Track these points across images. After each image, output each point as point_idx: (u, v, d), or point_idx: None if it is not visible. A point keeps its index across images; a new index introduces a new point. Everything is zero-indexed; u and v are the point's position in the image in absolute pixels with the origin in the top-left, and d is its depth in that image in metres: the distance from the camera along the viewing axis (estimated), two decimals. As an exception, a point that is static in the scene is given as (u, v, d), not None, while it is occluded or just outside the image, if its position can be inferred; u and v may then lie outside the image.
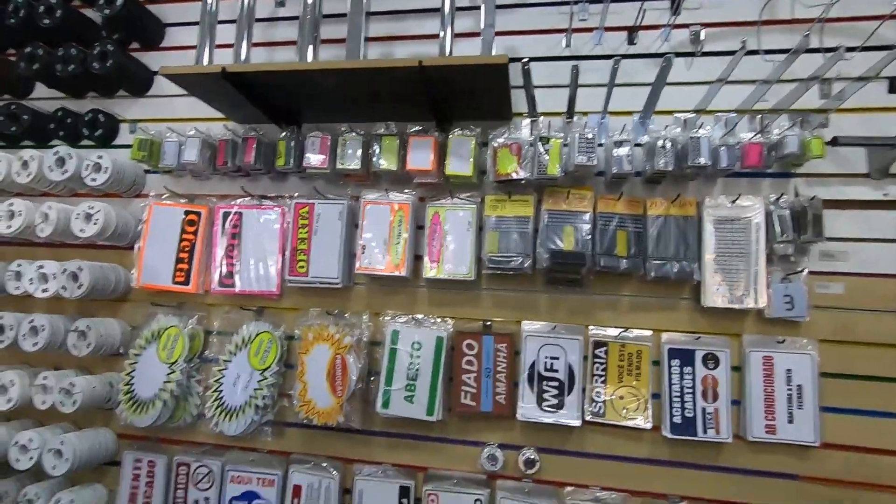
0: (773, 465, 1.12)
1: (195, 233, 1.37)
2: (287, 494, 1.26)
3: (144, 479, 1.34)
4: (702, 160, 1.08)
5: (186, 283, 1.35)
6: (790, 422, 1.10)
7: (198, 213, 1.37)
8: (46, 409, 1.30)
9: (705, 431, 1.12)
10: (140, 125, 1.44)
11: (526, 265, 1.17)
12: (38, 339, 1.30)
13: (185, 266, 1.36)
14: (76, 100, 1.54)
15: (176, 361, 1.31)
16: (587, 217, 1.17)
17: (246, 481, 1.28)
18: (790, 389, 1.11)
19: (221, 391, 1.30)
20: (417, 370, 1.20)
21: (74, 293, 1.30)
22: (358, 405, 1.24)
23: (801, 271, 1.10)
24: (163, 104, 1.49)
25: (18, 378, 1.31)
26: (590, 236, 1.16)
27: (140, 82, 1.49)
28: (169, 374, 1.30)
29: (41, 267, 1.33)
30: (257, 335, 1.30)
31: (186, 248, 1.37)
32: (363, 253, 1.24)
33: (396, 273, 1.23)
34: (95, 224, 1.31)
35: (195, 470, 1.32)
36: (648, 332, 1.19)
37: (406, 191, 1.28)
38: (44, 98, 1.56)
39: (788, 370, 1.12)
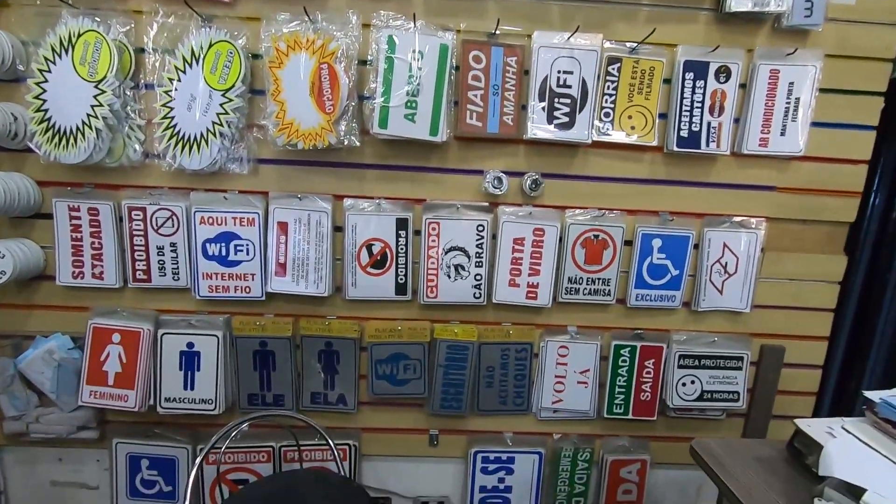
0: (757, 178, 1.14)
1: None
2: (271, 232, 1.08)
3: (88, 229, 1.08)
4: None
5: (97, -29, 0.96)
6: (782, 134, 1.09)
7: None
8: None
9: (707, 145, 1.09)
10: None
11: (550, -49, 0.94)
12: None
13: (89, -54, 0.95)
14: None
15: (104, 78, 0.97)
16: None
17: (220, 222, 1.08)
18: (788, 102, 1.08)
19: (173, 117, 1.01)
20: (419, 84, 1.00)
21: (-78, -30, 0.86)
22: (349, 126, 1.03)
23: (835, -33, 1.00)
24: None
25: None
26: (625, -83, 0.94)
27: None
28: (97, 94, 0.98)
29: None
30: (211, 46, 0.99)
31: (87, -80, 0.94)
32: (349, -74, 0.92)
33: (392, -43, 0.94)
34: None
35: (153, 214, 1.08)
36: (664, 48, 1.06)
37: None
38: None
39: (791, 83, 1.07)
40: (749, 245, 1.15)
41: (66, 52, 0.96)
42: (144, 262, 1.10)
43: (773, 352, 1.22)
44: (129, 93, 1.02)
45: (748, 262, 1.16)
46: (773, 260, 1.17)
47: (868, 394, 0.71)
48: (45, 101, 0.98)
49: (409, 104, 1.00)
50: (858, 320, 1.28)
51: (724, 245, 1.15)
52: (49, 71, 0.97)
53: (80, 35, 0.96)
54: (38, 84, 0.98)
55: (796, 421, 0.76)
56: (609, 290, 1.16)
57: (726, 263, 1.16)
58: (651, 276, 1.16)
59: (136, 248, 1.09)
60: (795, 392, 1.24)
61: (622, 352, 1.19)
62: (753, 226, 1.15)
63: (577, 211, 1.13)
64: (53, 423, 1.16)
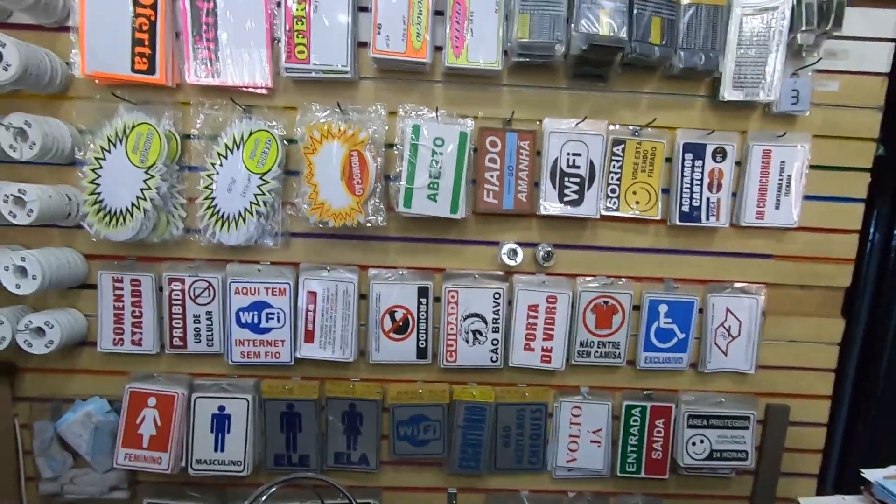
0: (755, 248, 1.21)
1: (154, 6, 1.04)
2: (301, 302, 1.15)
3: (129, 298, 1.15)
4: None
5: (151, 71, 1.06)
6: (777, 208, 1.17)
7: (154, -19, 1.04)
8: (-13, 227, 1.03)
9: (708, 218, 1.16)
10: None
11: (559, 52, 1.05)
12: (-42, 137, 0.98)
13: (146, 50, 1.05)
14: None
15: (154, 165, 1.06)
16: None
17: (253, 292, 1.15)
18: (781, 179, 1.16)
19: (214, 198, 1.10)
20: (440, 167, 1.09)
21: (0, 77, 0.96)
22: (376, 206, 1.11)
23: (817, 61, 1.10)
24: None
25: (-59, 186, 1.00)
26: (625, 21, 1.04)
27: None
28: (146, 179, 1.07)
29: (-60, 41, 0.96)
30: (251, 134, 1.08)
31: (145, 27, 1.05)
32: (379, 33, 1.03)
33: (417, 59, 1.04)
34: (12, -18, 0.94)
35: (191, 285, 1.15)
36: (664, 131, 1.15)
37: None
38: None
39: (782, 162, 1.16)
40: (751, 309, 1.22)
41: (121, 141, 1.06)
42: (181, 330, 1.17)
43: (778, 411, 1.26)
44: (174, 175, 1.11)
45: (750, 325, 1.22)
46: (774, 323, 1.23)
47: (866, 473, 0.76)
48: (98, 185, 1.07)
49: (431, 185, 1.09)
50: (859, 378, 1.33)
51: (727, 310, 1.21)
52: (104, 158, 1.06)
53: (133, 127, 1.06)
54: (93, 170, 1.07)
55: (801, 500, 0.81)
56: (619, 353, 1.22)
57: (730, 327, 1.22)
58: (659, 340, 1.22)
59: (174, 316, 1.16)
60: (802, 449, 1.28)
61: (633, 412, 1.24)
62: (754, 291, 1.22)
63: (588, 279, 1.20)
64: (87, 483, 1.21)
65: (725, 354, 1.23)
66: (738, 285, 1.22)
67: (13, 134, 1.01)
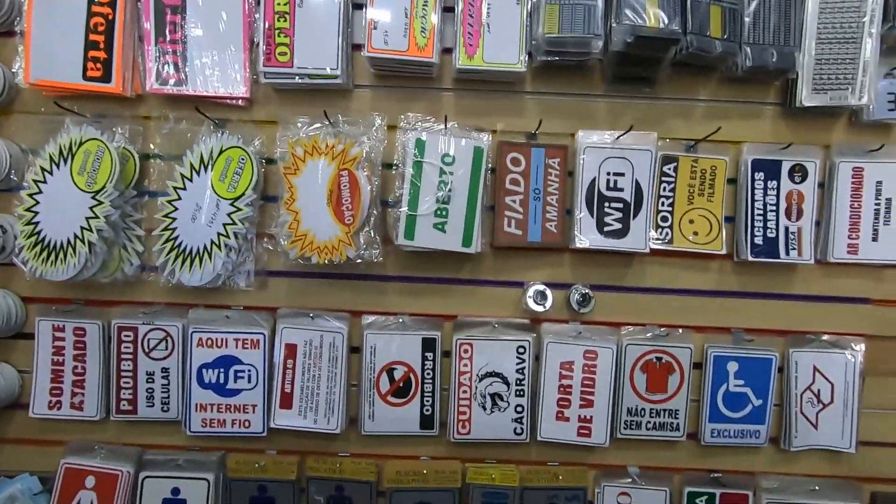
0: (848, 289, 0.97)
1: (112, 4, 0.89)
2: (277, 357, 0.94)
3: (71, 351, 0.95)
4: None
5: (107, 79, 0.90)
6: (874, 240, 0.94)
7: (114, -25, 0.89)
8: None
9: (787, 253, 0.93)
10: None
11: (596, 48, 0.86)
12: None
13: (101, 54, 0.89)
14: None
15: (103, 188, 0.88)
16: (675, -14, 0.86)
17: (219, 344, 0.94)
18: (878, 204, 0.94)
19: (175, 228, 0.91)
20: (450, 191, 0.88)
21: (-80, 83, 0.80)
22: (370, 237, 0.90)
23: (922, 57, 0.89)
24: None
25: None
26: (677, 11, 0.85)
27: None
28: (94, 206, 0.88)
29: None
30: (222, 152, 0.90)
31: (101, 28, 0.89)
32: (375, 28, 0.85)
33: (422, 58, 0.86)
34: (-60, -28, 0.80)
35: (145, 335, 0.95)
36: (726, 145, 0.94)
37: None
38: None
39: (879, 182, 0.93)
40: (846, 369, 0.96)
41: (65, 161, 0.88)
42: (131, 391, 0.95)
43: (887, 500, 0.99)
44: (129, 201, 0.93)
45: (846, 389, 0.96)
46: (877, 386, 0.97)
47: None
48: (37, 213, 0.89)
49: (438, 212, 0.88)
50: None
51: (815, 368, 0.96)
52: (44, 181, 0.89)
53: (81, 144, 0.88)
54: (31, 196, 0.89)
55: None
56: (677, 424, 0.97)
57: (819, 391, 0.96)
58: (728, 407, 0.96)
59: (122, 373, 0.95)
60: (922, 553, 0.99)
61: (698, 501, 0.97)
62: (849, 345, 0.97)
63: (636, 328, 0.97)
64: (8, 585, 0.97)
65: (815, 427, 0.97)
66: (827, 337, 0.97)
67: (-65, 152, 0.84)
